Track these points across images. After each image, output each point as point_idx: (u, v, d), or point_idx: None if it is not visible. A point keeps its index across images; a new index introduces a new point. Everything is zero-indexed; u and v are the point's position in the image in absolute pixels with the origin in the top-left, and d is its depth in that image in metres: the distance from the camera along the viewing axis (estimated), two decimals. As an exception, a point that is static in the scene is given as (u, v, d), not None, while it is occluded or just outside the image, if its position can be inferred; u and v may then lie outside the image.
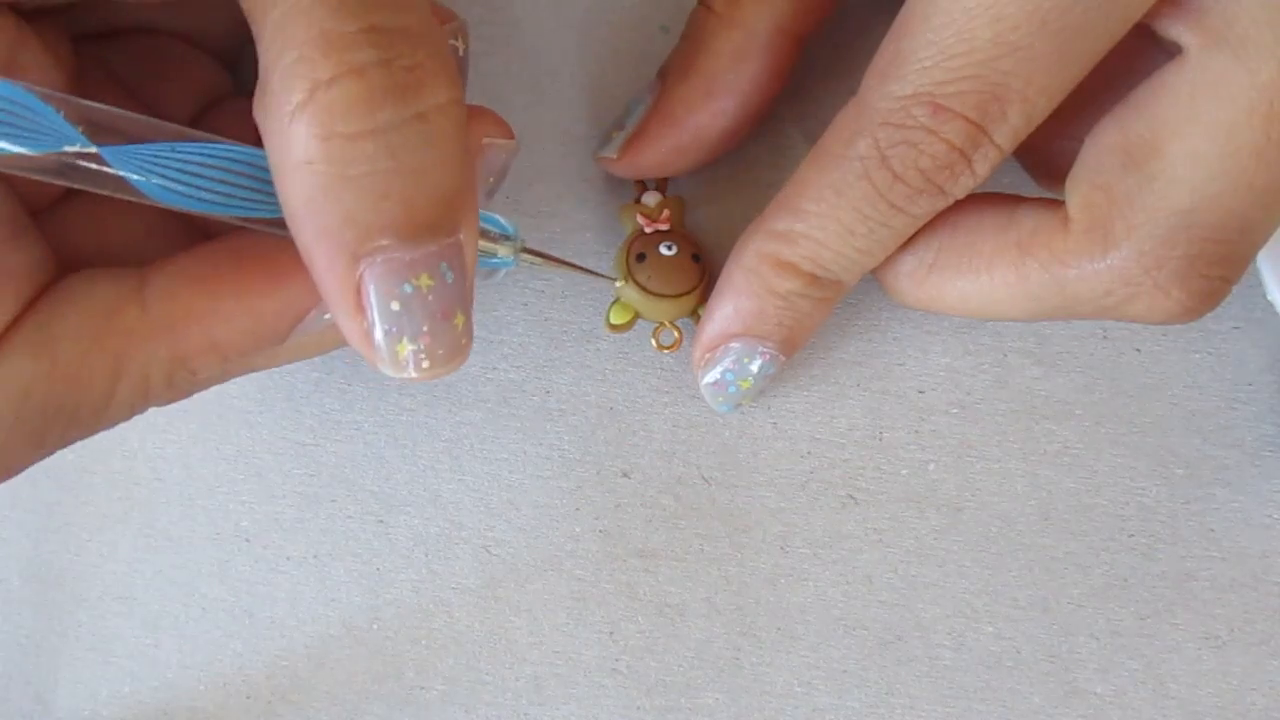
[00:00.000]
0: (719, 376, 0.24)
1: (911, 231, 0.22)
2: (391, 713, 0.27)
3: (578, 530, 0.27)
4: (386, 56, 0.16)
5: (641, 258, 0.25)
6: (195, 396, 0.28)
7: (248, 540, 0.28)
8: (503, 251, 0.21)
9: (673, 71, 0.25)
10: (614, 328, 0.25)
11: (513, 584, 0.27)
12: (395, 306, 0.17)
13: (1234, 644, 0.25)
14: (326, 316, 0.19)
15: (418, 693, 0.27)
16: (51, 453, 0.19)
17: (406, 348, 0.17)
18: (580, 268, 0.24)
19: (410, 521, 0.27)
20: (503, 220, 0.22)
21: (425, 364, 0.18)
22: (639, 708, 0.26)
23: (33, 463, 0.19)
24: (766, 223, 0.22)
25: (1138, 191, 0.20)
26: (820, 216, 0.21)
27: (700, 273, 0.25)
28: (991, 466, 0.26)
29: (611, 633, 0.26)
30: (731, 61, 0.24)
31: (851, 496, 0.26)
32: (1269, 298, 0.24)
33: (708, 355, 0.24)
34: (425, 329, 0.17)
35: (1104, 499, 0.25)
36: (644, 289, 0.25)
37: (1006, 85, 0.19)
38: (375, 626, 0.27)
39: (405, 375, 0.18)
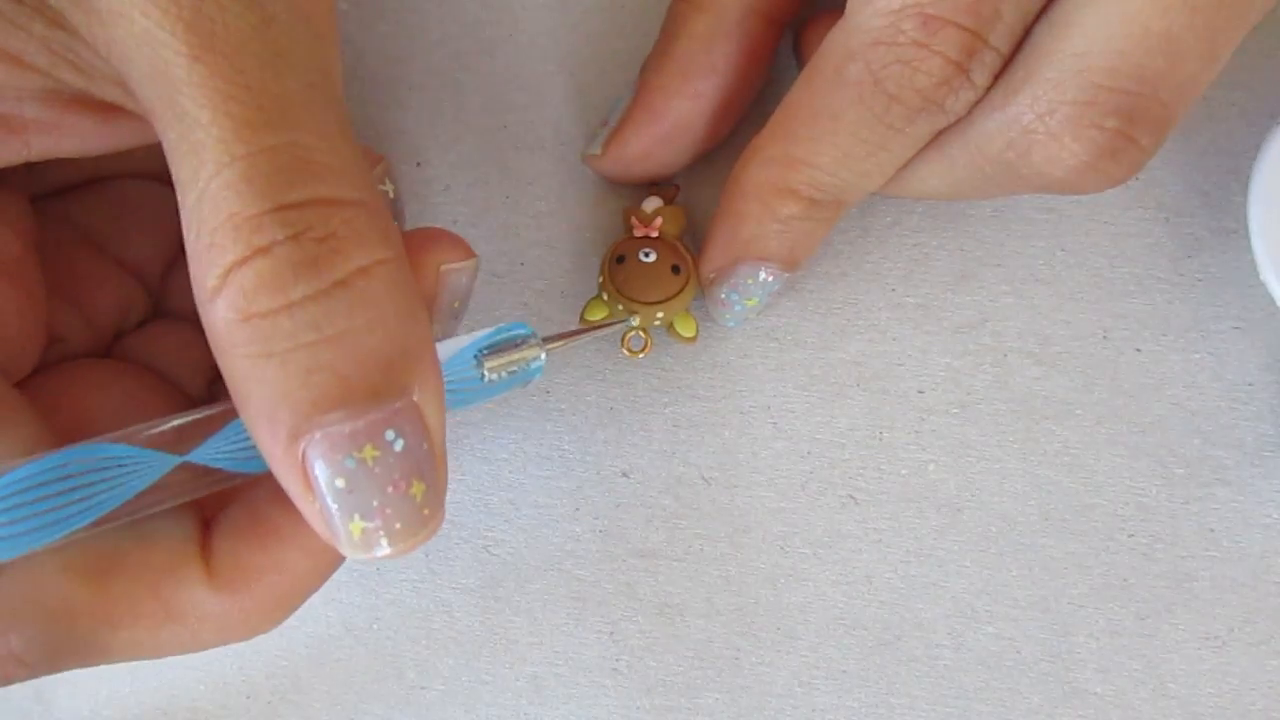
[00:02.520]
0: (724, 296, 0.24)
1: (913, 151, 0.21)
2: (391, 713, 0.27)
3: (578, 530, 0.27)
4: (295, 231, 0.15)
5: (621, 259, 0.25)
6: (195, 396, 0.28)
7: (248, 540, 0.28)
8: (531, 355, 0.20)
9: (650, 62, 0.25)
10: (586, 323, 0.25)
11: (513, 584, 0.27)
12: (340, 483, 0.15)
13: (1234, 644, 0.25)
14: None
15: (418, 693, 0.27)
16: (58, 671, 0.18)
17: (360, 525, 0.16)
18: (601, 325, 0.24)
19: (410, 521, 0.27)
20: (516, 326, 0.20)
21: (384, 542, 0.16)
22: (639, 708, 0.26)
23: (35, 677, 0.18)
24: (763, 149, 0.22)
25: (1039, 37, 0.19)
26: (816, 142, 0.21)
27: (679, 285, 0.24)
28: (991, 466, 0.26)
29: (611, 633, 0.26)
30: (704, 44, 0.24)
31: (851, 496, 0.26)
32: (1262, 277, 0.23)
33: (712, 276, 0.24)
34: (376, 504, 0.16)
35: (1104, 499, 0.25)
36: (616, 290, 0.25)
37: None
38: (375, 626, 0.27)
39: (373, 555, 0.16)
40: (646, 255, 0.24)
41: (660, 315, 0.25)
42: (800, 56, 0.25)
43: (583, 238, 0.27)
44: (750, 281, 0.24)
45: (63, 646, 0.17)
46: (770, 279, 0.24)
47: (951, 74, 0.19)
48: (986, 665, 0.25)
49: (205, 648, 0.19)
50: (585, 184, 0.27)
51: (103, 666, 0.28)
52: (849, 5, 0.20)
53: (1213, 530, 0.25)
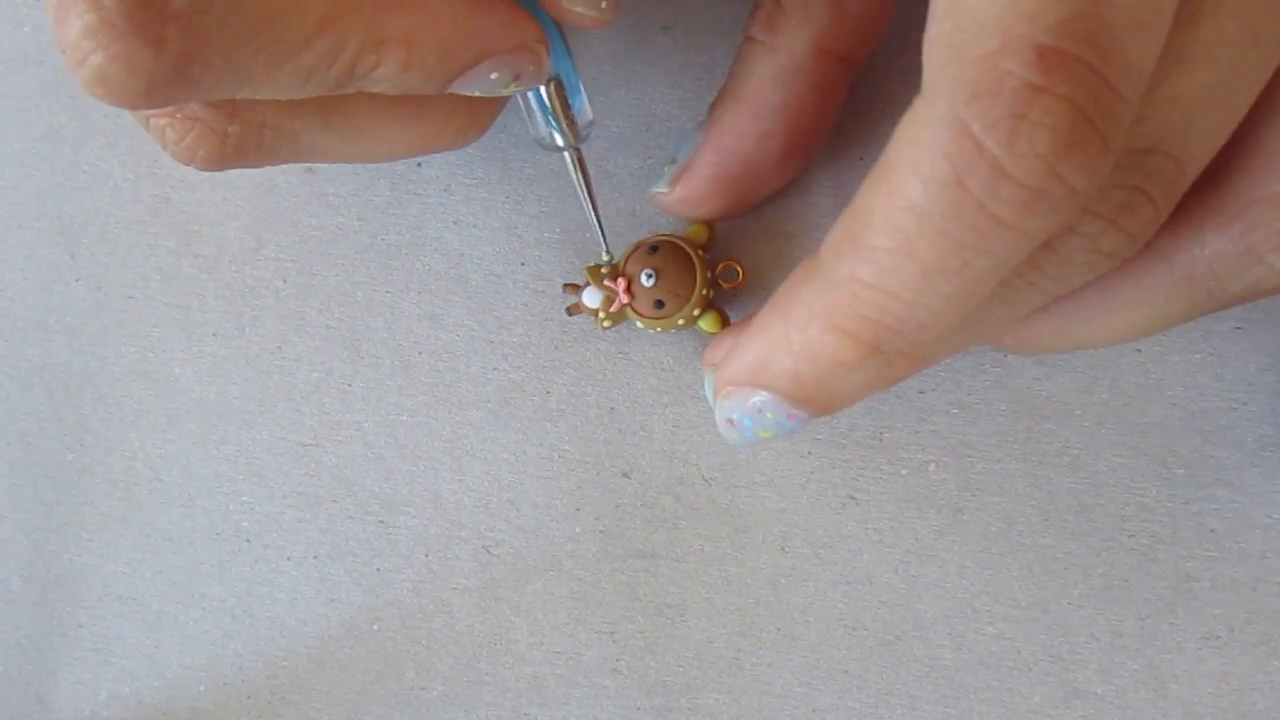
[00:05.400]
0: (736, 419, 0.20)
1: (1016, 261, 0.15)
2: (391, 713, 0.27)
3: (578, 530, 0.27)
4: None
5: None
6: (195, 396, 0.28)
7: (248, 540, 0.28)
8: (558, 136, 0.23)
9: (720, 101, 0.24)
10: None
11: (513, 584, 0.27)
12: None
13: (1234, 644, 0.25)
14: (493, 76, 0.20)
15: (418, 693, 0.27)
16: (224, 85, 0.17)
17: None
18: (596, 210, 0.25)
19: (410, 522, 0.27)
20: (584, 99, 0.23)
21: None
22: (639, 708, 0.26)
23: (210, 79, 0.17)
24: (822, 268, 0.17)
25: (1242, 133, 0.17)
26: (892, 255, 0.16)
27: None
28: (991, 466, 0.26)
29: (611, 633, 0.26)
30: (776, 84, 0.23)
31: (852, 497, 0.26)
32: None
33: (728, 389, 0.20)
34: None
35: (1104, 499, 0.25)
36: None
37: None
38: (375, 627, 0.27)
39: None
40: (649, 277, 0.25)
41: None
42: None
43: (583, 238, 0.27)
44: (769, 415, 0.19)
45: (236, 31, 0.16)
46: (794, 420, 0.19)
47: (1082, 131, 0.14)
48: (987, 665, 0.25)
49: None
50: (585, 184, 0.27)
51: (103, 666, 0.28)
52: (926, 64, 0.15)
53: (1213, 530, 0.25)
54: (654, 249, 0.25)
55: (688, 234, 0.26)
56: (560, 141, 0.23)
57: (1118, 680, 0.25)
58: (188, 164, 0.20)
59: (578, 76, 0.23)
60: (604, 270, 0.25)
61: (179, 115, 0.20)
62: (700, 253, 0.25)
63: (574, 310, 0.26)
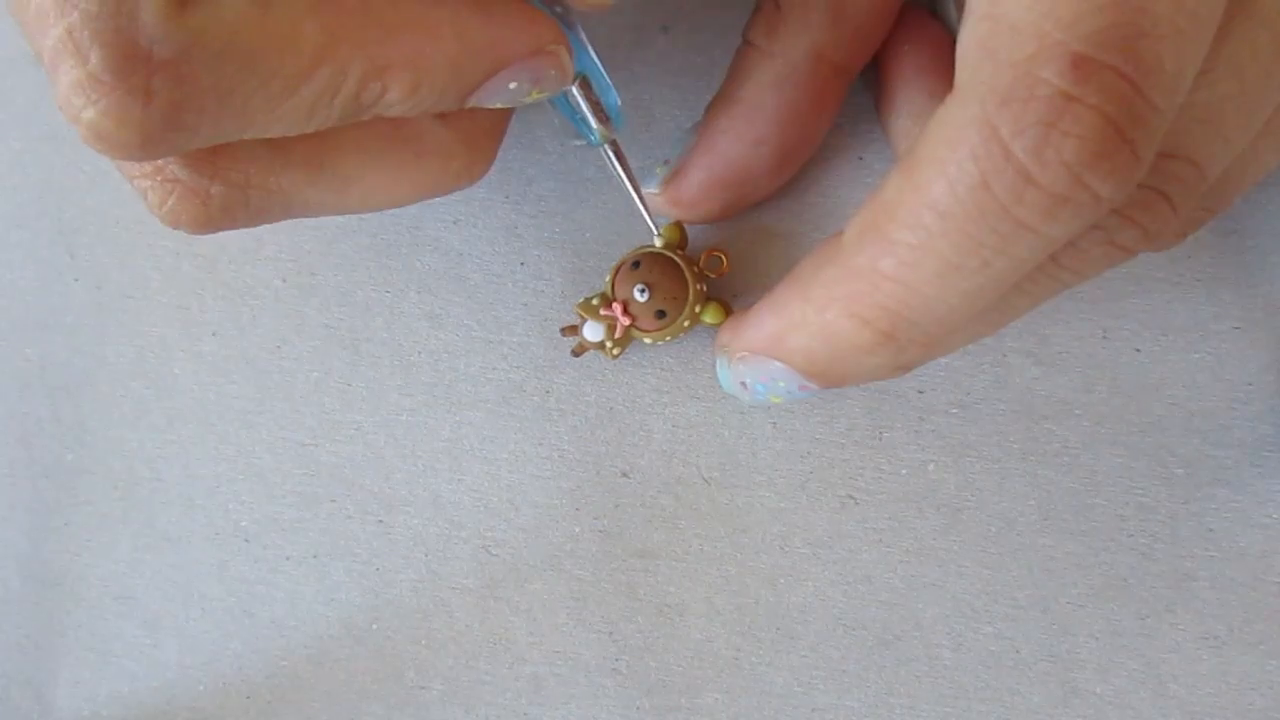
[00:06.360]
0: (749, 382, 0.21)
1: (1036, 262, 0.16)
2: (391, 713, 0.27)
3: (578, 530, 0.27)
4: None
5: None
6: (195, 396, 0.28)
7: (248, 540, 0.28)
8: (591, 136, 0.22)
9: (715, 104, 0.24)
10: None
11: (512, 584, 0.27)
12: None
13: (1234, 644, 0.25)
14: (513, 86, 0.19)
15: (418, 693, 0.27)
16: (224, 129, 0.17)
17: None
18: (640, 197, 0.24)
19: (410, 521, 0.27)
20: (615, 96, 0.22)
21: None
22: (639, 708, 0.26)
23: (208, 125, 0.16)
24: (844, 253, 0.17)
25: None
26: (914, 250, 0.16)
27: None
28: (991, 466, 0.26)
29: (611, 633, 0.26)
30: (772, 90, 0.23)
31: (851, 496, 0.26)
32: None
33: (744, 355, 0.21)
34: None
35: (1104, 499, 0.25)
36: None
37: (1148, 9, 0.14)
38: (375, 626, 0.27)
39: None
40: (642, 292, 0.25)
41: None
42: (882, 102, 0.24)
43: (583, 238, 0.27)
44: (782, 384, 0.20)
45: (232, 76, 0.16)
46: (804, 391, 0.20)
47: (1111, 141, 0.14)
48: (986, 665, 0.25)
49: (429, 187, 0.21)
50: (586, 184, 0.27)
51: (103, 666, 0.28)
52: (959, 63, 0.15)
53: (1212, 530, 0.25)
54: (637, 264, 0.25)
55: (663, 240, 0.25)
56: (595, 139, 0.22)
57: (1117, 680, 0.25)
58: (175, 228, 0.20)
59: (603, 70, 0.22)
60: (595, 302, 0.25)
61: (159, 178, 0.19)
62: (680, 252, 0.25)
63: (579, 350, 0.26)
